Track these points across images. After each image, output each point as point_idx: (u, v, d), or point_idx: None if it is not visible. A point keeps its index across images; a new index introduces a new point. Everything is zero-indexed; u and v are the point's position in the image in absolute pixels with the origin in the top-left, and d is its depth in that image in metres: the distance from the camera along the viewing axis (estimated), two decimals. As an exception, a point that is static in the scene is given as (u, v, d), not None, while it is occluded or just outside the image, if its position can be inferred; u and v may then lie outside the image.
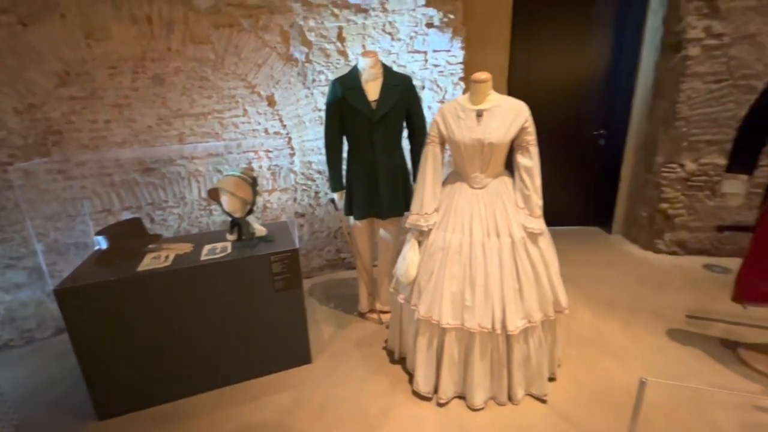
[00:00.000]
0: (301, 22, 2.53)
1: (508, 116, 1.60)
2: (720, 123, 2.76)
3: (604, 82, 3.46)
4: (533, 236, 1.64)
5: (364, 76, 1.96)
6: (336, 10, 2.57)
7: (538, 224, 1.63)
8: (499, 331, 1.58)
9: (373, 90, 1.96)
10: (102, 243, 1.76)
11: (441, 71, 2.81)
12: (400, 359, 1.98)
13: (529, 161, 1.64)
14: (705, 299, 2.44)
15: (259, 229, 1.98)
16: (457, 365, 1.68)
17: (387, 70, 2.01)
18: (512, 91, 3.41)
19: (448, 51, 2.77)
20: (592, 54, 3.41)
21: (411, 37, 2.71)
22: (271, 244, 1.90)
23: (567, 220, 3.88)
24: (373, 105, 1.96)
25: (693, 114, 2.80)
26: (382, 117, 1.96)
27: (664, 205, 3.02)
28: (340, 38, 2.63)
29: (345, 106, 2.00)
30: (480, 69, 3.29)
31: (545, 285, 1.63)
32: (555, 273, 1.69)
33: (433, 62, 2.79)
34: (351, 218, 2.22)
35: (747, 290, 1.80)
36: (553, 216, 3.89)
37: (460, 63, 2.81)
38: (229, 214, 1.92)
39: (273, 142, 2.67)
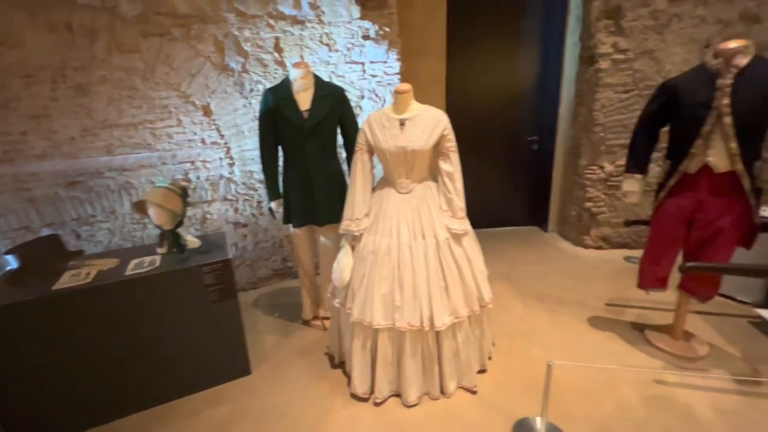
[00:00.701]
0: (236, 33, 2.53)
1: (429, 124, 1.71)
2: (630, 128, 3.02)
3: (534, 91, 3.73)
4: (457, 237, 1.74)
5: (296, 87, 2.00)
6: (271, 21, 2.59)
7: (461, 225, 1.74)
8: (427, 329, 1.66)
9: (304, 100, 2.01)
10: (13, 262, 1.65)
11: (379, 81, 2.91)
12: (339, 363, 2.01)
13: (450, 166, 1.75)
14: (622, 288, 2.68)
15: (192, 241, 1.94)
16: (391, 364, 1.74)
17: (318, 81, 2.07)
18: (451, 99, 3.59)
19: (385, 62, 2.87)
20: (523, 65, 3.67)
21: (348, 48, 2.79)
22: (204, 255, 1.87)
23: (508, 221, 4.11)
24: (305, 114, 2.00)
25: (607, 120, 3.09)
26: (314, 126, 2.01)
27: (588, 204, 3.29)
28: (278, 48, 2.66)
29: (277, 116, 2.02)
30: (419, 78, 3.47)
31: (470, 282, 1.74)
32: (479, 270, 1.81)
33: (371, 73, 2.88)
34: (291, 226, 2.24)
35: (646, 278, 2.02)
36: (495, 218, 4.22)
37: (397, 73, 2.92)
38: (158, 227, 1.87)
39: (211, 153, 2.63)
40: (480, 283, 1.78)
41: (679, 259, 1.93)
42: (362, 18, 2.76)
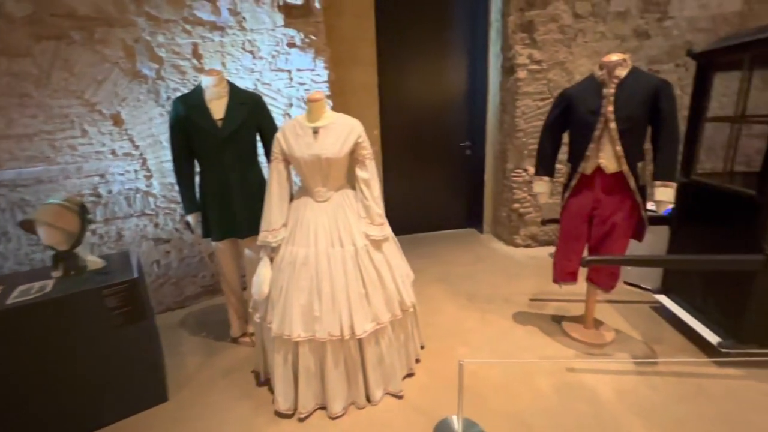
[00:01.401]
0: (148, 37, 2.39)
1: (342, 132, 1.71)
2: (548, 134, 3.30)
3: (464, 99, 3.90)
4: (376, 243, 1.75)
5: (208, 95, 1.93)
6: (188, 27, 2.48)
7: (380, 231, 1.76)
8: (348, 337, 1.64)
9: (218, 108, 1.93)
10: None
11: (307, 89, 2.88)
12: (265, 380, 1.94)
13: (366, 174, 1.76)
14: (545, 283, 2.85)
15: (93, 261, 1.79)
16: (315, 376, 1.70)
17: (234, 89, 2.00)
18: (385, 108, 3.65)
19: (313, 70, 2.86)
20: (453, 75, 3.83)
21: (273, 56, 2.74)
22: (106, 276, 1.72)
23: (447, 224, 4.24)
24: (219, 123, 1.92)
25: (528, 126, 3.30)
26: (229, 135, 1.93)
27: (516, 205, 3.48)
28: (196, 55, 2.55)
29: (189, 124, 1.93)
30: (351, 87, 3.49)
31: (390, 287, 1.75)
32: (400, 275, 1.83)
33: (298, 80, 2.85)
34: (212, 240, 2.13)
35: (558, 272, 2.16)
36: (435, 222, 4.34)
37: (326, 81, 2.91)
38: (50, 248, 1.70)
39: (123, 165, 2.44)
40: (401, 288, 1.80)
41: (586, 253, 2.09)
42: (287, 26, 2.73)
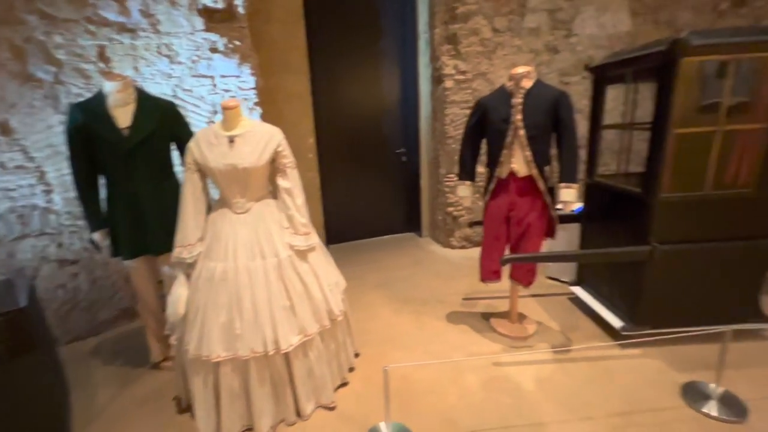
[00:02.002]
0: (42, 37, 2.16)
1: (261, 141, 1.66)
2: (476, 140, 3.49)
3: (398, 107, 3.99)
4: (301, 253, 1.72)
5: (111, 101, 1.78)
6: (92, 27, 2.28)
7: (305, 241, 1.73)
8: (273, 353, 1.59)
9: (123, 116, 1.79)
10: None
11: (233, 97, 2.77)
12: (187, 406, 1.81)
13: (288, 183, 1.73)
14: (477, 283, 2.94)
15: (-31, 291, 1.56)
16: (239, 397, 1.62)
17: (142, 95, 1.87)
18: (319, 116, 3.63)
19: (238, 77, 2.76)
20: (387, 83, 3.90)
21: (193, 61, 2.61)
22: (-15, 307, 1.50)
23: (388, 230, 4.30)
24: (125, 133, 1.78)
25: (457, 133, 3.45)
26: (137, 145, 1.80)
27: (450, 209, 3.62)
28: (103, 58, 2.34)
29: (90, 133, 1.76)
30: (282, 94, 3.42)
31: (317, 297, 1.73)
32: (328, 284, 1.81)
33: (223, 87, 2.73)
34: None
35: (484, 272, 2.28)
36: (376, 227, 4.37)
37: (253, 89, 2.83)
38: None
39: (15, 179, 2.17)
40: (329, 297, 1.78)
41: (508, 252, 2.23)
42: (208, 30, 2.62)
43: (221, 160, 1.61)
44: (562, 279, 2.89)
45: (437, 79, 3.50)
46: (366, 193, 4.10)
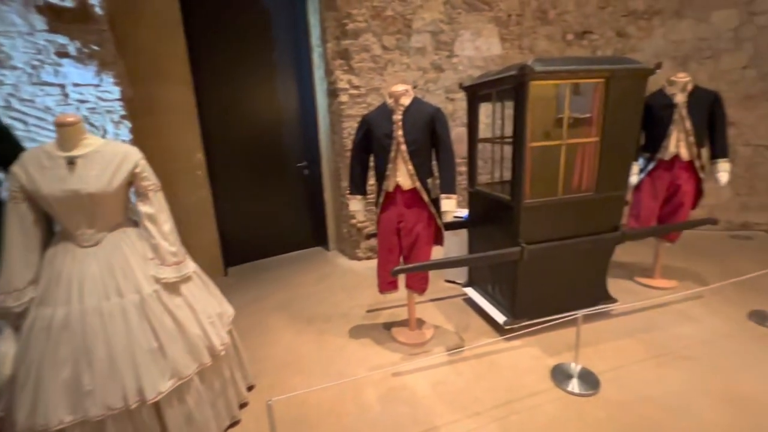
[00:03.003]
0: None
1: (112, 162, 1.45)
2: (374, 152, 3.57)
3: (297, 120, 3.91)
4: (171, 285, 1.54)
5: None
6: None
7: (174, 272, 1.55)
8: (136, 405, 1.37)
9: None
10: None
11: (92, 108, 2.41)
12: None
13: (151, 208, 1.54)
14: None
15: None
16: (95, 465, 1.37)
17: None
18: (209, 130, 3.36)
19: (98, 86, 2.41)
20: (284, 95, 3.79)
21: (34, 66, 2.20)
22: None
23: (295, 245, 4.15)
24: None
25: (355, 146, 3.49)
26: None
27: (354, 221, 3.63)
28: None
29: None
30: (160, 106, 3.10)
31: (194, 332, 1.55)
32: (209, 315, 1.65)
33: (77, 98, 2.35)
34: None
35: (382, 283, 2.31)
36: (283, 244, 4.20)
37: (118, 99, 2.49)
38: None
39: None
40: (210, 330, 1.62)
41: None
42: (53, 31, 2.24)
43: (57, 186, 1.36)
44: (457, 281, 3.09)
45: (332, 92, 3.51)
46: (268, 209, 3.91)
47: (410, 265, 2.03)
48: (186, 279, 1.61)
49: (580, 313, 1.87)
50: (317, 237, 4.19)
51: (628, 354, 2.12)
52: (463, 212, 2.85)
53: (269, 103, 3.75)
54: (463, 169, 2.88)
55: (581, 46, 3.84)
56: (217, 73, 3.42)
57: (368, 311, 2.77)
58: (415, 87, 3.62)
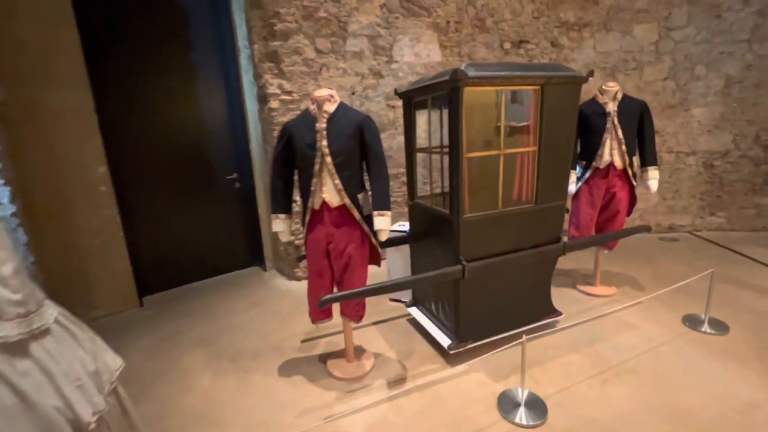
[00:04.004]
0: None
1: None
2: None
3: (225, 128, 3.53)
4: (13, 346, 1.16)
5: None
6: None
7: (19, 327, 1.17)
8: None
9: None
10: None
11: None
12: None
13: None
14: (319, 317, 2.75)
15: None
16: None
17: None
18: (113, 140, 2.91)
19: (-54, 86, 1.93)
20: (209, 101, 3.41)
21: None
22: None
23: (228, 267, 3.74)
24: None
25: (288, 157, 3.20)
26: None
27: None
28: None
29: None
30: (47, 111, 2.61)
31: (48, 405, 1.19)
32: (75, 378, 1.28)
33: None
34: None
35: (313, 311, 2.05)
36: (213, 266, 3.75)
37: (-20, 103, 2.03)
38: None
39: None
40: (73, 398, 1.25)
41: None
42: None
43: None
44: (403, 300, 2.89)
45: (262, 98, 3.21)
46: (194, 228, 3.48)
47: (339, 294, 1.78)
48: (39, 334, 1.24)
49: (526, 337, 1.73)
50: (252, 256, 3.81)
51: (574, 371, 2.03)
52: (407, 226, 2.67)
53: (192, 109, 3.36)
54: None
55: (518, 54, 3.87)
56: (124, 74, 2.98)
57: (303, 341, 2.48)
58: (353, 93, 3.44)
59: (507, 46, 3.83)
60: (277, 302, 3.06)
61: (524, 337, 1.72)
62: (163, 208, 3.32)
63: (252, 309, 2.96)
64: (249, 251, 3.80)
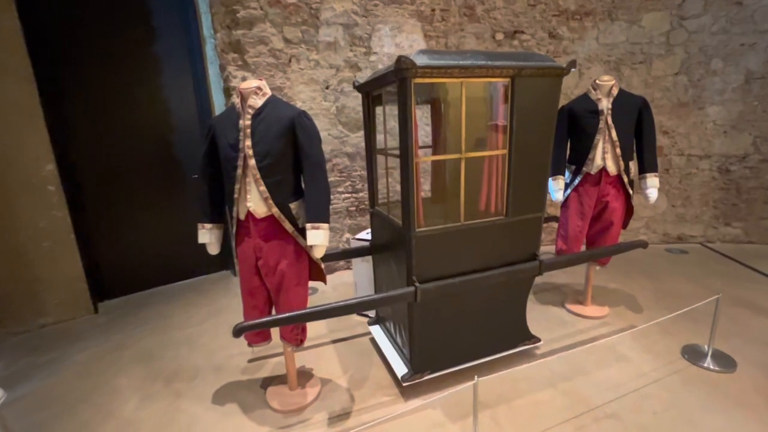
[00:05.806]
0: None
1: None
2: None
3: (194, 123, 3.31)
4: None
5: None
6: None
7: None
8: None
9: None
10: None
11: None
12: None
13: None
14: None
15: None
16: None
17: None
18: (63, 138, 2.73)
19: None
20: (174, 95, 3.20)
21: None
22: None
23: (197, 271, 3.55)
24: None
25: (253, 156, 2.96)
26: None
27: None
28: None
29: None
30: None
31: None
32: None
33: None
34: None
35: (249, 334, 1.81)
36: (182, 270, 3.54)
37: None
38: None
39: None
40: None
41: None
42: None
43: None
44: (369, 314, 2.63)
45: (227, 91, 2.97)
46: (158, 229, 3.29)
47: (260, 321, 1.52)
48: None
49: (478, 378, 1.45)
50: (222, 260, 3.60)
51: (545, 412, 1.74)
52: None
53: (156, 103, 3.15)
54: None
55: (512, 46, 3.53)
56: (75, 64, 2.78)
57: (251, 360, 2.25)
58: (327, 88, 3.18)
59: (499, 36, 3.50)
60: (236, 312, 2.82)
61: (476, 378, 1.44)
62: (124, 208, 3.13)
63: (208, 320, 2.74)
64: (218, 254, 3.58)
